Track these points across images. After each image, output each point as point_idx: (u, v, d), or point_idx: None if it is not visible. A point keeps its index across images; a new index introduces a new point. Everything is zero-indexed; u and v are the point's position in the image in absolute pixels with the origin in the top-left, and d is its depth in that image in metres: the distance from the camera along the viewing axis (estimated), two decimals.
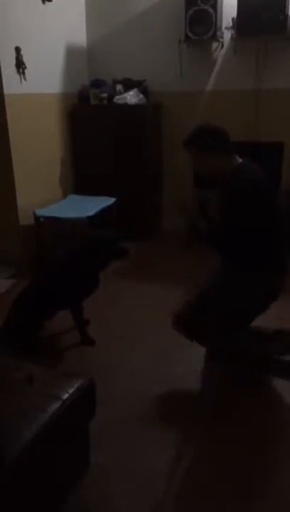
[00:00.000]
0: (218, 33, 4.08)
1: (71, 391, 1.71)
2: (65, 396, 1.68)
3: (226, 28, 4.14)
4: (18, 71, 3.72)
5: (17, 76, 3.72)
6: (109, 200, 4.23)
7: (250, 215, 2.29)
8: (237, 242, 2.32)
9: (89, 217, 3.85)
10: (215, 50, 4.35)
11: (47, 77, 4.13)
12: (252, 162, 2.45)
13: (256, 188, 2.32)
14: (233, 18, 4.02)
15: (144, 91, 4.47)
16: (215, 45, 4.31)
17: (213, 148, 2.35)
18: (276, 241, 2.43)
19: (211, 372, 2.59)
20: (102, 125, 4.44)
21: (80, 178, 4.67)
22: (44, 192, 4.22)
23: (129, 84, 4.46)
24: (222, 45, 4.28)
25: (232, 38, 4.18)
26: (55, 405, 1.63)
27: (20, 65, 3.71)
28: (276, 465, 1.98)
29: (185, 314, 2.44)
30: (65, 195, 4.51)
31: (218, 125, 2.46)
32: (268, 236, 2.37)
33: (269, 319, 2.59)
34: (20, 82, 3.76)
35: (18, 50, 3.67)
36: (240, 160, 2.40)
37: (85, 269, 2.75)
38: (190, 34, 4.11)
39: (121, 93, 4.40)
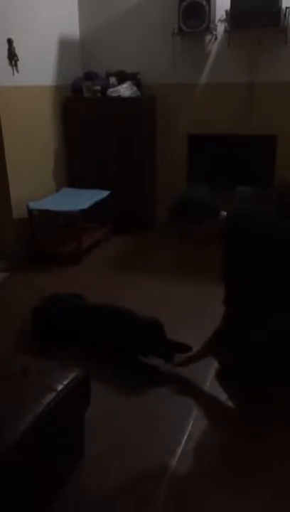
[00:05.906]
0: (211, 25, 4.07)
1: (66, 382, 1.73)
2: (60, 387, 1.70)
3: (219, 20, 4.13)
4: (11, 63, 3.70)
5: (9, 68, 3.70)
6: (103, 193, 4.22)
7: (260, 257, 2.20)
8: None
9: (83, 210, 3.86)
10: (209, 42, 4.34)
11: (40, 69, 4.10)
12: (241, 203, 2.37)
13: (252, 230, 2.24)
14: (226, 11, 4.01)
15: (138, 83, 4.45)
16: (208, 37, 4.30)
17: (203, 218, 2.30)
18: None
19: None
20: (96, 118, 4.42)
21: (74, 171, 4.66)
22: (37, 185, 4.21)
23: (122, 77, 4.43)
24: (216, 38, 4.27)
25: (225, 30, 4.17)
26: (50, 396, 1.65)
27: (12, 57, 3.69)
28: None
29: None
30: (58, 188, 4.49)
31: (198, 190, 2.40)
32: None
33: None
34: (13, 74, 3.74)
35: (10, 41, 3.65)
36: (225, 213, 2.33)
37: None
38: (183, 26, 4.09)
39: (114, 86, 4.38)
